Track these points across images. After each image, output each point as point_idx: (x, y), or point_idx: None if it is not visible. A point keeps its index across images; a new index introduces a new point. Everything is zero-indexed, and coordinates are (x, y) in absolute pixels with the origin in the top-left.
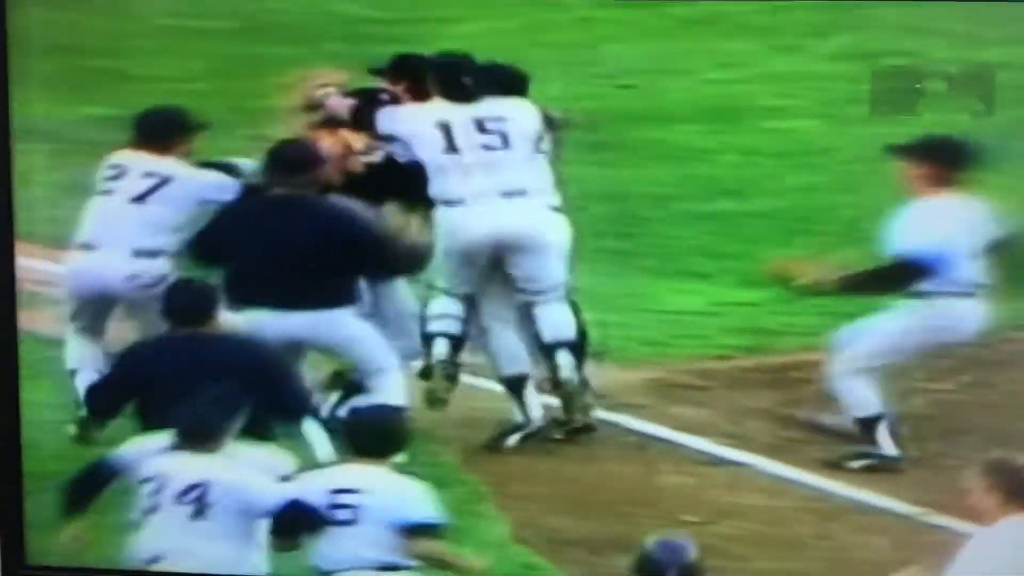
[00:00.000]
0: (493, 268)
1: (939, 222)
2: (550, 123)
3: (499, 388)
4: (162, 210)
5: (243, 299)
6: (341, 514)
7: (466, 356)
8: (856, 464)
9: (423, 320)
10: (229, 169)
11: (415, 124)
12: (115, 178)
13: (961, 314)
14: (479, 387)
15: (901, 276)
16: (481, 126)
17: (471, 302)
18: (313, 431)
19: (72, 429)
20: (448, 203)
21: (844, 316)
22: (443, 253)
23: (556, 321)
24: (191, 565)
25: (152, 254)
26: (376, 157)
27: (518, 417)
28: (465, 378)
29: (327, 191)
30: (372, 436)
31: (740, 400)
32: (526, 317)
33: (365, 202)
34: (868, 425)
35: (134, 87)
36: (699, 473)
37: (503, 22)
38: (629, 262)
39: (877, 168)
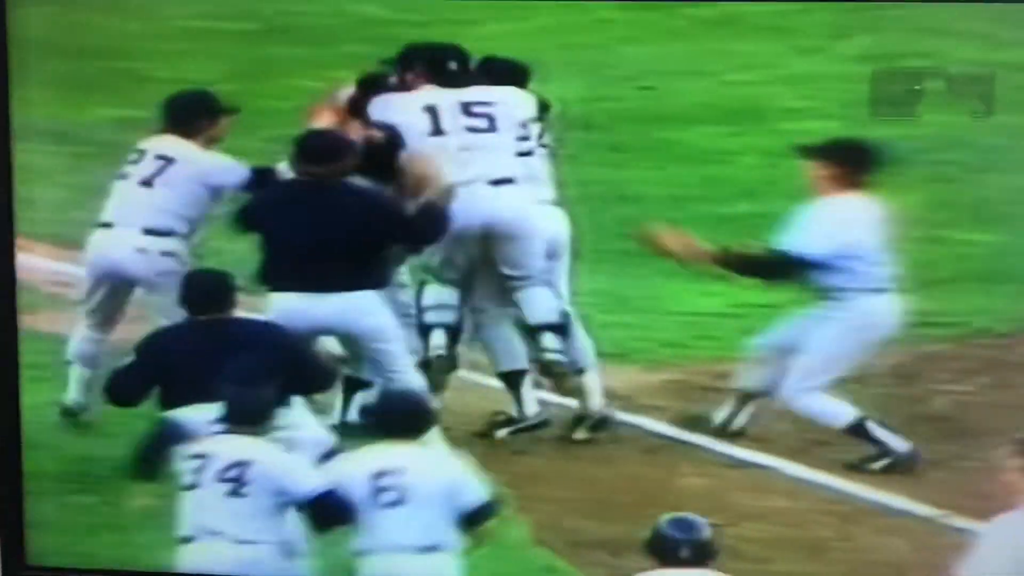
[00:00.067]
0: (484, 255)
1: (839, 221)
2: (543, 109)
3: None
4: (168, 192)
5: (276, 283)
6: (386, 497)
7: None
8: (876, 466)
9: (419, 311)
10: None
11: (404, 110)
12: (135, 162)
13: (877, 310)
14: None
15: (777, 267)
16: (467, 109)
17: (466, 289)
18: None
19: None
20: None
21: None
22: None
23: (539, 304)
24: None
25: (161, 234)
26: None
27: (512, 411)
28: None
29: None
30: (403, 417)
31: (761, 401)
32: (510, 301)
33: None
34: (857, 431)
35: (156, 89)
36: (720, 475)
37: (523, 24)
38: (649, 264)
39: (899, 169)
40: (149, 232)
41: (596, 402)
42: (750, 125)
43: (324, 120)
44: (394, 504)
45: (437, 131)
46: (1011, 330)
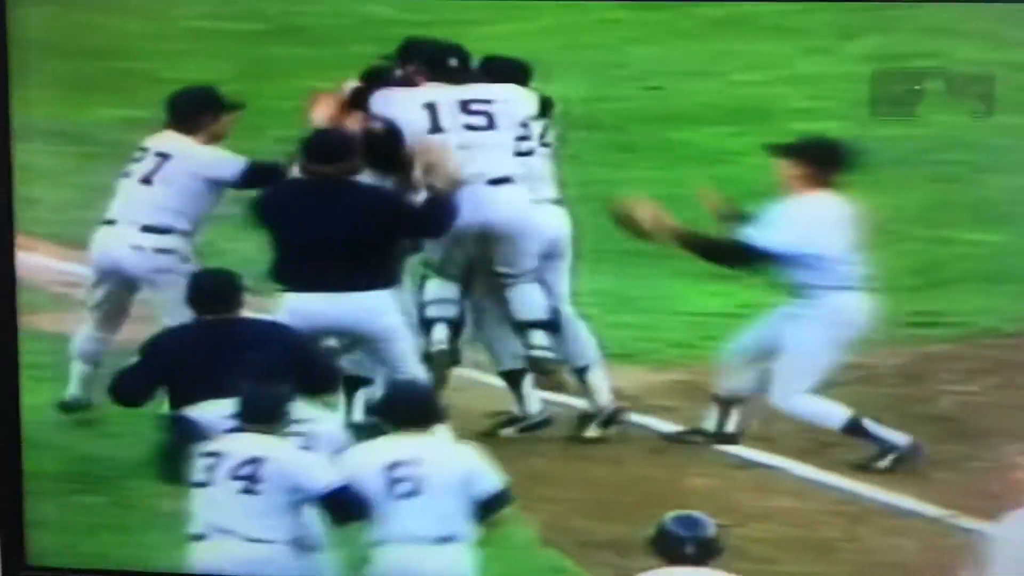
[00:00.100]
0: (482, 253)
1: (807, 219)
2: (545, 106)
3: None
4: (166, 189)
5: (290, 283)
6: (401, 487)
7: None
8: (882, 464)
9: (420, 305)
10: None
11: (404, 106)
12: (137, 160)
13: (847, 308)
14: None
15: (737, 256)
16: (466, 107)
17: (466, 286)
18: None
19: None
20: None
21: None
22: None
23: (529, 301)
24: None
25: (159, 231)
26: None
27: (515, 410)
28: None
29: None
30: (412, 408)
31: (768, 402)
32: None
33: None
34: (854, 431)
35: (161, 89)
36: (727, 476)
37: (528, 24)
38: (657, 264)
39: (906, 170)
40: (147, 229)
41: (604, 398)
42: (757, 125)
43: (322, 109)
44: (409, 495)
45: (436, 128)
46: (1017, 330)
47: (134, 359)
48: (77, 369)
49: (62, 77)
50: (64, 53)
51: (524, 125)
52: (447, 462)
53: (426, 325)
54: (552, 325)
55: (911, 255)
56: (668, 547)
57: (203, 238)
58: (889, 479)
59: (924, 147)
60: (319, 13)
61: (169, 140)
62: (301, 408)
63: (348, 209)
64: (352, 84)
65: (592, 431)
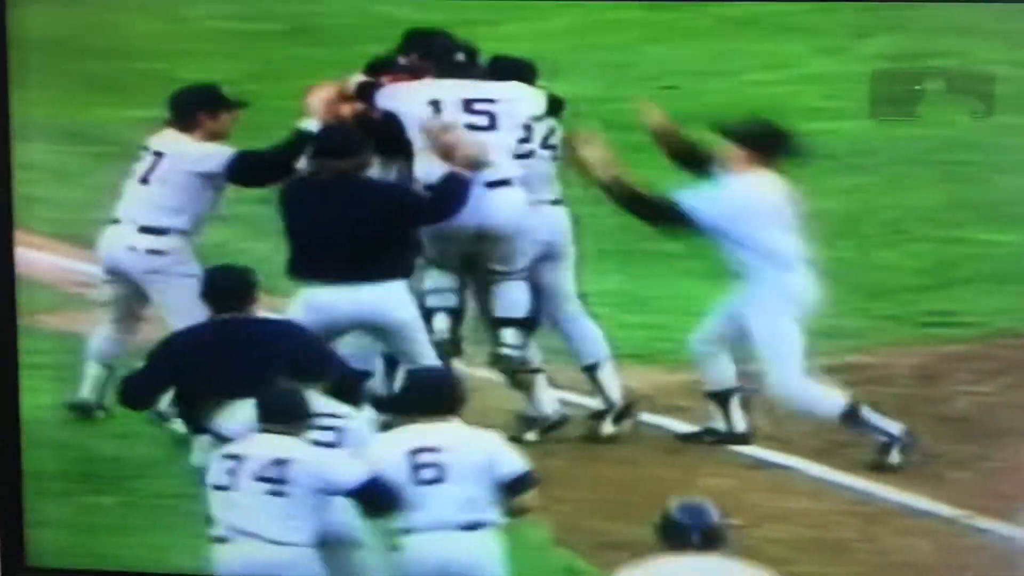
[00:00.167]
0: (477, 254)
1: (743, 196)
2: (555, 107)
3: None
4: (161, 188)
5: (305, 275)
6: (426, 473)
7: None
8: (892, 459)
9: (419, 295)
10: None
11: (408, 102)
12: (140, 159)
13: (791, 286)
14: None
15: (662, 214)
16: (469, 106)
17: (467, 270)
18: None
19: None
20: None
21: (888, 319)
22: (428, 234)
23: (511, 299)
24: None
25: (155, 231)
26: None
27: (531, 412)
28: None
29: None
30: (435, 394)
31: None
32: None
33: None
34: (851, 418)
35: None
36: (742, 476)
37: (545, 24)
38: (674, 264)
39: (921, 170)
40: (144, 230)
41: (616, 394)
42: None
43: (319, 100)
44: (433, 481)
45: (427, 131)
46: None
47: (142, 363)
48: (91, 371)
49: (77, 77)
50: (79, 54)
51: (527, 126)
52: (470, 448)
53: (426, 315)
54: (528, 325)
55: (924, 255)
56: (673, 535)
57: (217, 239)
58: (904, 479)
59: (937, 147)
60: (335, 13)
61: (166, 139)
62: (329, 404)
63: (360, 203)
64: (357, 78)
65: (606, 428)
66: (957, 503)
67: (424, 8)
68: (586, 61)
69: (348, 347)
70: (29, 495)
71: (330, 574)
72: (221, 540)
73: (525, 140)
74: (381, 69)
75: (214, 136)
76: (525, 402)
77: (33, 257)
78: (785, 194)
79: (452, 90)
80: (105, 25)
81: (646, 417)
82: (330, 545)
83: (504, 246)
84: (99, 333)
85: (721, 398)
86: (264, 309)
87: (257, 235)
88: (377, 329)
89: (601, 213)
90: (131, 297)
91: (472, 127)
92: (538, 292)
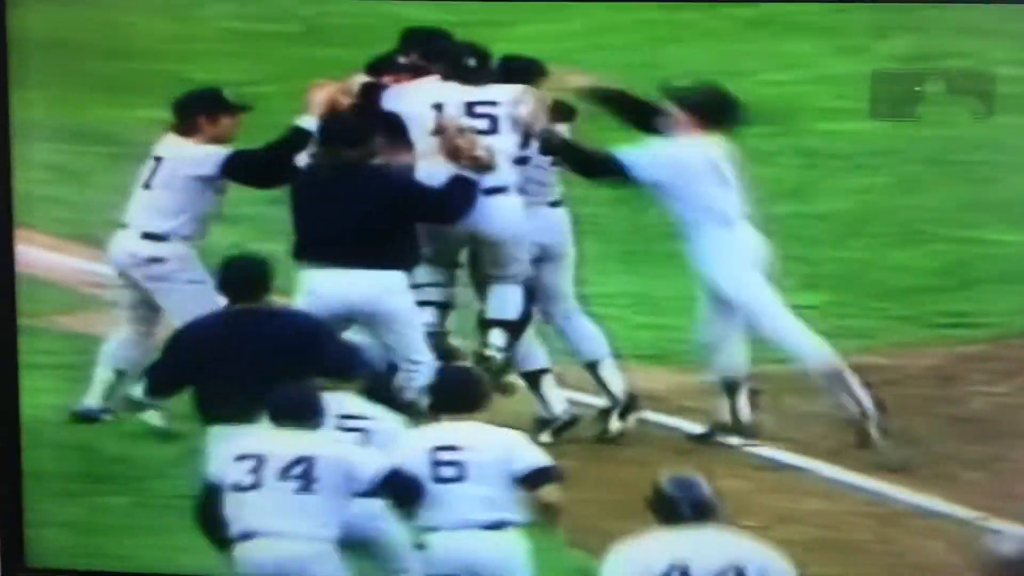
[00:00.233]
0: (472, 257)
1: (682, 155)
2: (567, 113)
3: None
4: (162, 192)
5: (307, 258)
6: (446, 472)
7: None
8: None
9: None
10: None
11: (412, 104)
12: (146, 164)
13: (737, 240)
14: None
15: (605, 168)
16: (471, 109)
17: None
18: None
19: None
20: None
21: (903, 320)
22: (424, 231)
23: (503, 301)
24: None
25: (156, 237)
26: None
27: (542, 413)
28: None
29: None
30: (460, 393)
31: (798, 404)
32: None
33: None
34: (837, 380)
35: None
36: (756, 477)
37: (563, 24)
38: (684, 265)
39: (937, 170)
40: (146, 236)
41: (618, 390)
42: (789, 125)
43: (320, 97)
44: (454, 480)
45: (439, 130)
46: None
47: (162, 351)
48: (102, 375)
49: (83, 77)
50: (101, 55)
51: (528, 128)
52: (489, 446)
53: None
54: (516, 329)
55: (938, 256)
56: (664, 508)
57: (225, 240)
58: (918, 480)
59: (951, 147)
60: (349, 14)
61: (166, 143)
62: (358, 405)
63: (367, 192)
64: (360, 77)
65: (613, 424)
66: (972, 504)
67: (441, 9)
68: (602, 62)
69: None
70: (29, 495)
71: (358, 572)
72: (245, 537)
73: (526, 142)
74: (382, 68)
75: (215, 140)
76: (536, 404)
77: (46, 258)
78: (726, 154)
79: (454, 93)
80: (109, 25)
81: (658, 418)
82: (359, 545)
83: (498, 252)
84: (116, 336)
85: (729, 387)
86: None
87: (265, 236)
88: (370, 318)
89: (611, 214)
90: (144, 301)
91: (473, 131)
92: (531, 297)
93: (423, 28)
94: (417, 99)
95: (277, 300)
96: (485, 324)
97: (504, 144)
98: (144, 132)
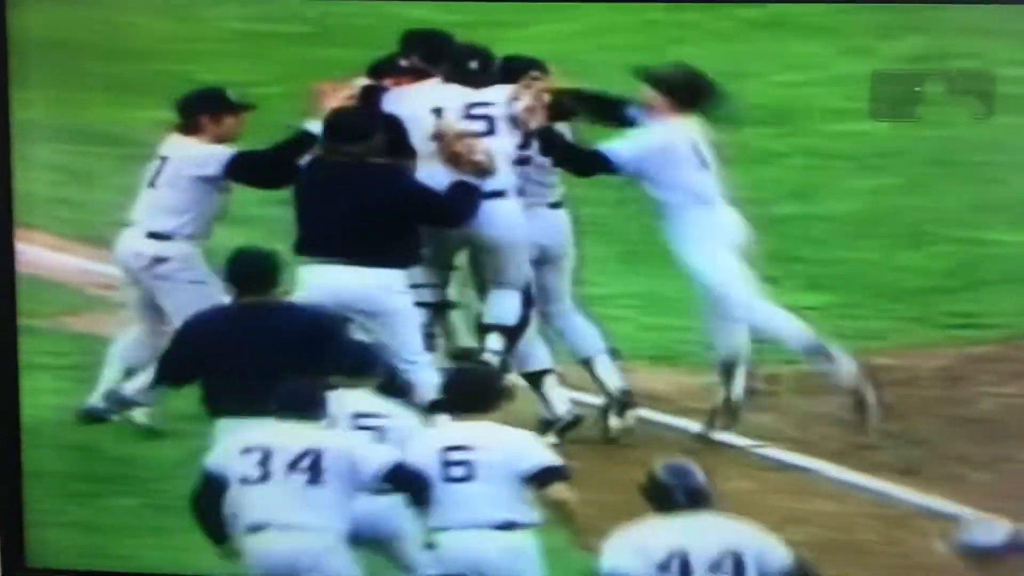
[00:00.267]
0: (472, 261)
1: (662, 139)
2: (567, 112)
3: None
4: (166, 192)
5: (307, 253)
6: (456, 471)
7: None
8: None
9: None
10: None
11: (411, 108)
12: (151, 163)
13: (716, 220)
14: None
15: (589, 164)
16: (468, 112)
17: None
18: None
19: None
20: None
21: (912, 321)
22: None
23: (501, 306)
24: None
25: (160, 236)
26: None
27: (545, 414)
28: None
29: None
30: (474, 393)
31: (806, 405)
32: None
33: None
34: (817, 351)
35: None
36: (763, 479)
37: (570, 25)
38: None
39: (944, 171)
40: (151, 235)
41: (614, 386)
42: (797, 126)
43: (330, 102)
44: (463, 479)
45: (438, 135)
46: None
47: (171, 341)
48: (110, 376)
49: (103, 79)
50: (106, 56)
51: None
52: (498, 446)
53: None
54: (513, 334)
55: (947, 256)
56: (659, 496)
57: (233, 241)
58: (927, 481)
59: (961, 148)
60: (356, 15)
61: (171, 143)
62: (374, 403)
63: (370, 189)
64: (362, 81)
65: (613, 422)
66: (980, 505)
67: (449, 10)
68: (610, 62)
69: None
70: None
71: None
72: (255, 529)
73: (525, 144)
74: (383, 71)
75: (219, 139)
76: (539, 404)
77: (51, 258)
78: (702, 136)
79: (453, 96)
80: (110, 25)
81: (665, 419)
82: (372, 542)
83: (496, 256)
84: (125, 336)
85: (727, 368)
86: None
87: (272, 237)
88: (368, 316)
89: (618, 215)
90: (151, 300)
91: (471, 134)
92: (529, 302)
93: (424, 30)
94: (416, 103)
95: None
96: (482, 328)
97: (502, 145)
98: (147, 132)
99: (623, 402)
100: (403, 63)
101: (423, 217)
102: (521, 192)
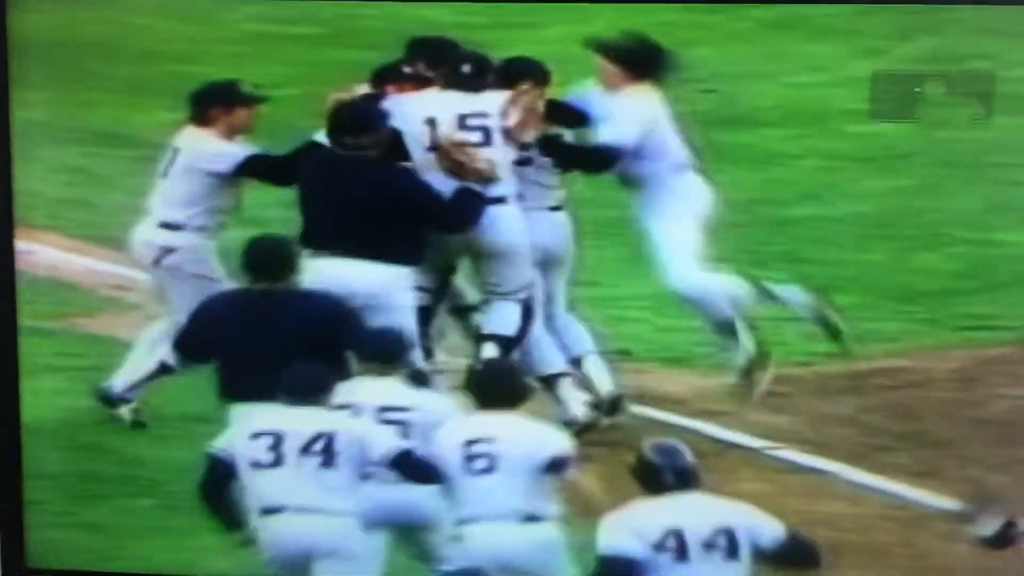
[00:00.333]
0: (473, 268)
1: (637, 110)
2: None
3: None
4: (176, 183)
5: (313, 246)
6: (479, 464)
7: None
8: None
9: None
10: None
11: (407, 118)
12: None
13: (687, 187)
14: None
15: (600, 160)
16: (463, 122)
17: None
18: None
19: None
20: None
21: (927, 323)
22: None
23: (502, 318)
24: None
25: (171, 227)
26: None
27: (561, 416)
28: None
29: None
30: (499, 386)
31: (821, 407)
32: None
33: None
34: (727, 328)
35: None
36: (779, 481)
37: (585, 27)
38: (711, 267)
39: (958, 172)
40: (162, 226)
41: (604, 386)
42: (813, 127)
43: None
44: (485, 472)
45: (433, 147)
46: None
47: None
48: (132, 362)
49: (117, 80)
50: (114, 56)
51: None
52: (522, 438)
53: None
54: (510, 345)
55: (962, 258)
56: (648, 476)
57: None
58: (943, 483)
59: (975, 150)
60: (373, 17)
61: (184, 134)
62: (401, 394)
63: (373, 184)
64: (362, 88)
65: (603, 420)
66: None
67: (464, 11)
68: None
69: None
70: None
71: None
72: (270, 512)
73: (524, 147)
74: (387, 78)
75: (232, 131)
76: (555, 406)
77: (65, 260)
78: (663, 103)
79: (447, 106)
80: (118, 25)
81: (680, 421)
82: (405, 528)
83: (496, 263)
84: (151, 329)
85: (726, 328)
86: None
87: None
88: (371, 311)
89: (632, 216)
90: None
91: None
92: (529, 314)
93: (429, 37)
94: (411, 113)
95: None
96: (480, 337)
97: (500, 155)
98: (155, 133)
99: (612, 405)
100: (407, 69)
101: (427, 217)
102: (521, 196)
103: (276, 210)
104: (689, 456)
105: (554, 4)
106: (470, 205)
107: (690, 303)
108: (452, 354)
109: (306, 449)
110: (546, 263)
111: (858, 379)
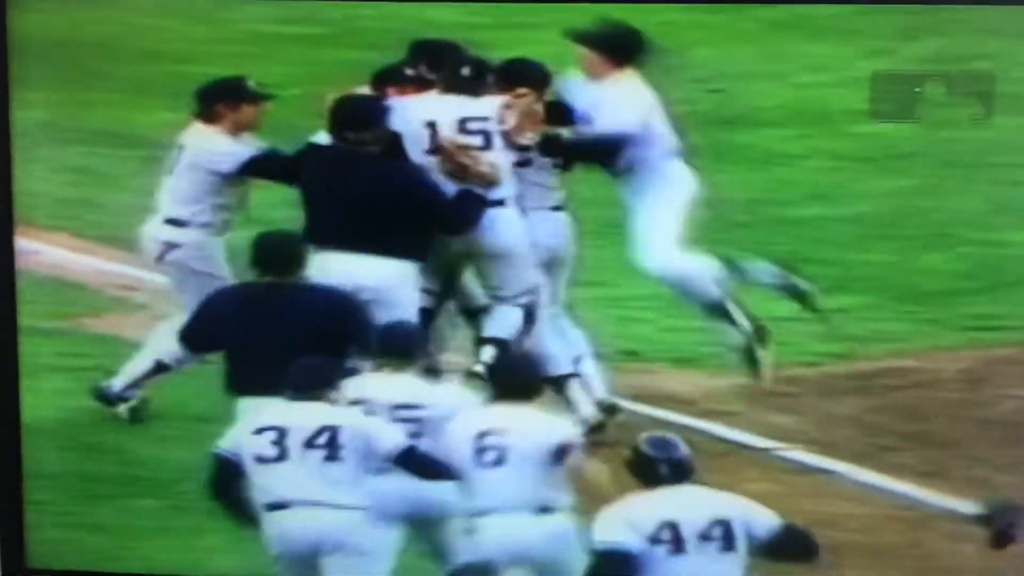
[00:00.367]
0: (475, 271)
1: (629, 97)
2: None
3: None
4: (180, 180)
5: (317, 241)
6: (490, 456)
7: None
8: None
9: None
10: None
11: (407, 121)
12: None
13: (674, 173)
14: None
15: (606, 151)
16: (463, 126)
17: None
18: None
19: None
20: None
21: (933, 323)
22: None
23: (502, 322)
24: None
25: (176, 223)
26: None
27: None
28: None
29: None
30: (516, 378)
31: (828, 407)
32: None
33: None
34: (719, 311)
35: None
36: (786, 481)
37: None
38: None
39: (964, 172)
40: (168, 222)
41: (598, 390)
42: (818, 128)
43: None
44: (496, 464)
45: (433, 150)
46: None
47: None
48: (138, 361)
49: (117, 80)
50: (117, 56)
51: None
52: (532, 430)
53: None
54: (506, 346)
55: (969, 258)
56: (643, 469)
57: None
58: (950, 483)
59: (980, 150)
60: (378, 17)
61: (190, 131)
62: (418, 389)
63: (376, 179)
64: (362, 90)
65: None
66: None
67: (470, 12)
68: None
69: None
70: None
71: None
72: (277, 507)
73: (524, 149)
74: (388, 80)
75: (238, 128)
76: (565, 408)
77: (71, 259)
78: (646, 92)
79: (447, 109)
80: (121, 25)
81: (687, 421)
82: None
83: (496, 266)
84: (165, 326)
85: (718, 310)
86: None
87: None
88: (376, 304)
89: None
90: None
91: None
92: (530, 319)
93: (431, 39)
94: (411, 115)
95: None
96: (480, 340)
97: (500, 158)
98: (159, 133)
99: (606, 410)
100: (408, 72)
101: (428, 214)
102: (521, 197)
103: (282, 210)
104: (684, 448)
105: (555, 4)
106: (471, 207)
107: (670, 285)
108: (458, 354)
109: (310, 443)
110: (547, 264)
111: (865, 379)
